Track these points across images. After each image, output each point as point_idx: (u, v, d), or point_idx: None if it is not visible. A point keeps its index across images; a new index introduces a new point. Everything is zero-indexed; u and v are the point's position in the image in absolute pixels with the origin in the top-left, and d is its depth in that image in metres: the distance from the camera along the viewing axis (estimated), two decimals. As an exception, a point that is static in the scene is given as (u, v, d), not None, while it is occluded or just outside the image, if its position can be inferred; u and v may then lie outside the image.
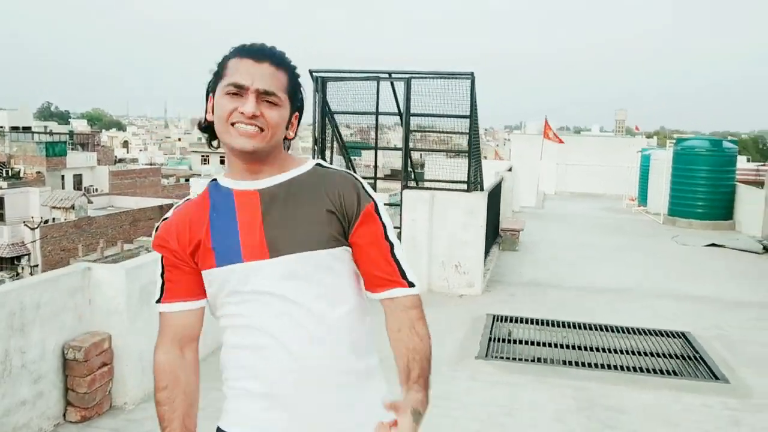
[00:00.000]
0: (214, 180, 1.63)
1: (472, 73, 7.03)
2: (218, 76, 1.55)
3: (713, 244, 11.70)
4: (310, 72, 7.49)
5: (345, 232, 1.56)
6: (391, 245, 1.58)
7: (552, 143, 19.47)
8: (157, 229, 1.64)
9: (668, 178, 14.90)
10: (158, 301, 1.65)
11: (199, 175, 56.91)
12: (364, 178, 6.65)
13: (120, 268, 4.34)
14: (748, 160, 31.62)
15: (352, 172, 1.64)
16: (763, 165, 19.52)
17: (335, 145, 8.09)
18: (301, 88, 1.61)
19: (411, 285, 1.59)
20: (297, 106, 1.60)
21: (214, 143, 1.62)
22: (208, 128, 1.61)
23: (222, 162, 65.39)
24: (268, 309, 1.52)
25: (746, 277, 9.33)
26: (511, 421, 4.32)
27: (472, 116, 7.25)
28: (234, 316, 1.57)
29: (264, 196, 1.55)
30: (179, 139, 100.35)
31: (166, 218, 1.64)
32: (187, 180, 54.67)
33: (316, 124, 7.60)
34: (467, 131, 7.53)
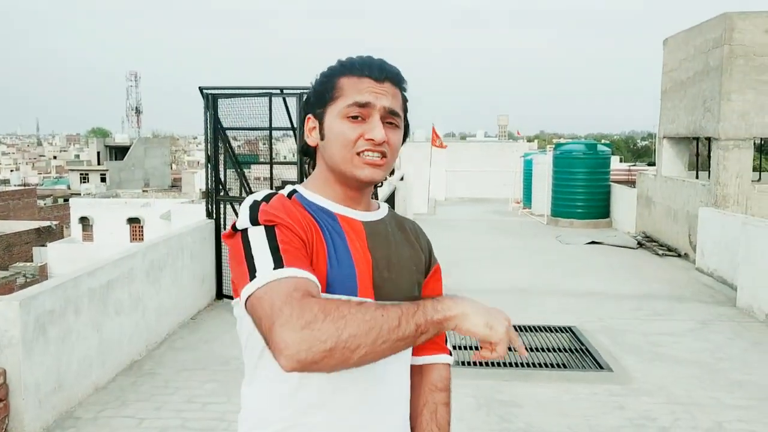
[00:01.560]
0: (294, 191, 1.39)
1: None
2: (328, 97, 1.35)
3: (593, 242, 12.47)
4: (200, 89, 7.42)
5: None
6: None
7: (439, 150, 20.07)
8: (256, 206, 1.29)
9: (549, 180, 15.73)
10: (279, 267, 1.19)
11: (79, 194, 54.36)
12: (251, 193, 6.63)
13: (13, 299, 4.17)
14: (621, 161, 33.72)
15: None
16: (634, 165, 20.90)
17: (227, 160, 8.02)
18: (407, 112, 1.44)
19: (450, 353, 1.55)
20: (406, 128, 1.44)
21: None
22: (308, 151, 1.44)
23: (102, 179, 62.82)
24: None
25: (624, 271, 10.02)
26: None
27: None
28: None
29: (368, 229, 1.39)
30: (54, 157, 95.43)
31: (260, 201, 1.31)
32: (66, 200, 52.00)
33: (209, 141, 7.53)
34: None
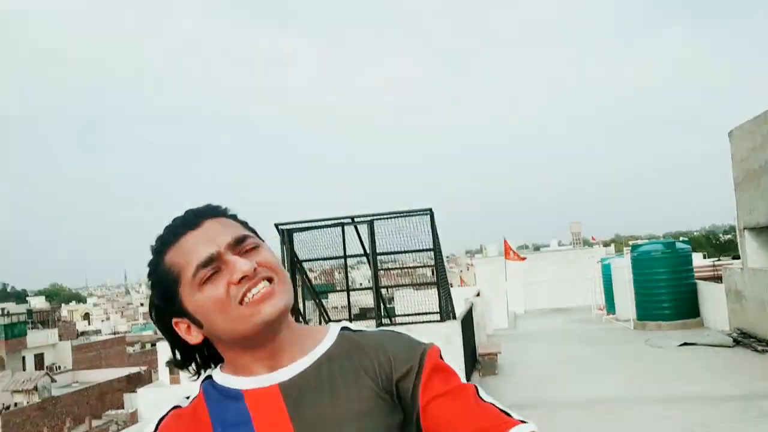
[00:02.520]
0: (208, 378, 1.16)
1: (430, 209, 7.40)
2: (168, 285, 1.11)
3: (686, 343, 11.91)
4: (276, 226, 7.78)
5: (409, 410, 1.11)
6: (475, 387, 1.13)
7: (514, 263, 19.95)
8: None
9: (630, 284, 15.31)
10: None
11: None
12: (336, 320, 6.68)
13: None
14: (704, 257, 32.54)
15: (392, 329, 1.22)
16: (719, 260, 20.19)
17: (305, 291, 8.25)
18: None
19: (524, 422, 1.12)
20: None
21: (202, 369, 1.20)
22: (190, 356, 1.19)
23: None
24: None
25: (724, 371, 9.49)
26: None
27: (436, 248, 7.56)
28: None
29: (286, 391, 1.10)
30: (141, 304, 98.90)
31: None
32: (153, 345, 53.45)
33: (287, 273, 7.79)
34: (432, 263, 7.80)
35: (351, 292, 7.99)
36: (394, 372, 1.11)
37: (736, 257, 22.07)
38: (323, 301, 8.85)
